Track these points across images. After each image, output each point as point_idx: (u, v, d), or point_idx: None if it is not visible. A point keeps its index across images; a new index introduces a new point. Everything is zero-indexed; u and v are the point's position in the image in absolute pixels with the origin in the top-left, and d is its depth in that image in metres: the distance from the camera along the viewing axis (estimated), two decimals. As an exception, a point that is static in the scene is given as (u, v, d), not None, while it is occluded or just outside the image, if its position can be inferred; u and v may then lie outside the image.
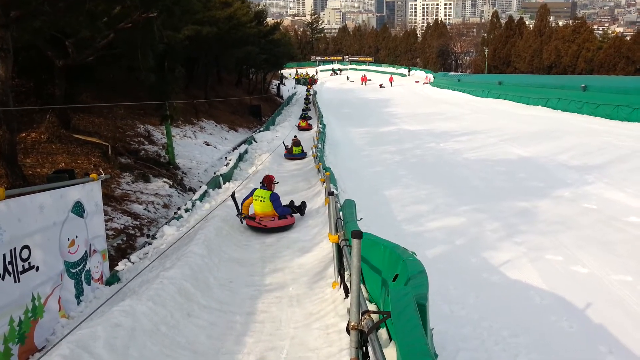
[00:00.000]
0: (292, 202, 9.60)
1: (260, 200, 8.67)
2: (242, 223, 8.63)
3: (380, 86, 57.41)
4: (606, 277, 7.43)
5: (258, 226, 8.43)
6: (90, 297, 6.03)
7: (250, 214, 8.78)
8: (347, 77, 69.90)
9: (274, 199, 8.69)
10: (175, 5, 10.64)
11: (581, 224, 9.86)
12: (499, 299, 6.89)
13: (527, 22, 69.40)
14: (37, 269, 5.07)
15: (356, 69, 75.84)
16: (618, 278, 7.40)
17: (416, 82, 60.48)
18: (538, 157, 16.75)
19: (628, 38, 54.90)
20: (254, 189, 9.06)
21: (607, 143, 18.39)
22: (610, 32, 71.78)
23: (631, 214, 10.28)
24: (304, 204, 9.52)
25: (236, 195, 9.12)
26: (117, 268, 6.84)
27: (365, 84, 60.50)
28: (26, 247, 4.89)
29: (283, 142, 18.68)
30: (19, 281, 4.73)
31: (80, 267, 5.93)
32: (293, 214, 9.03)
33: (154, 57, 12.01)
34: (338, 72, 75.76)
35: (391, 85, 58.21)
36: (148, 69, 11.63)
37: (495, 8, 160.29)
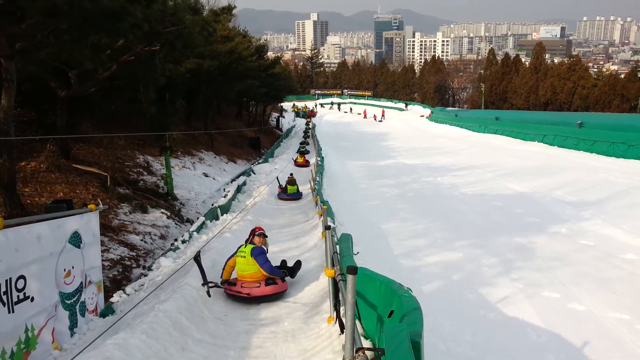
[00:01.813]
0: (283, 262, 7.76)
1: (241, 257, 6.98)
2: (209, 296, 6.42)
3: (375, 118, 59.60)
4: (603, 315, 7.41)
5: (239, 295, 6.69)
6: (84, 329, 5.94)
7: (232, 278, 7.11)
8: (338, 106, 74.14)
9: (257, 253, 6.90)
10: (178, 39, 10.84)
11: (578, 261, 9.87)
12: (496, 336, 6.85)
13: (523, 60, 70.57)
14: (32, 299, 5.01)
15: (355, 103, 77.08)
16: (615, 316, 7.38)
17: (421, 116, 61.33)
18: (534, 193, 16.84)
19: (622, 76, 55.77)
20: (240, 246, 7.30)
21: (603, 179, 18.55)
22: (605, 70, 72.83)
23: (628, 251, 10.29)
24: (298, 264, 7.72)
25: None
26: (112, 300, 6.77)
27: (366, 117, 62.01)
28: (22, 277, 4.85)
29: (277, 178, 17.72)
30: (13, 312, 4.69)
31: (75, 299, 5.87)
32: (285, 278, 7.19)
33: (155, 89, 12.17)
34: (336, 105, 76.71)
35: (382, 118, 59.86)
36: (149, 101, 11.78)
37: (491, 45, 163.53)
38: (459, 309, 7.72)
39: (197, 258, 6.48)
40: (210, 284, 6.44)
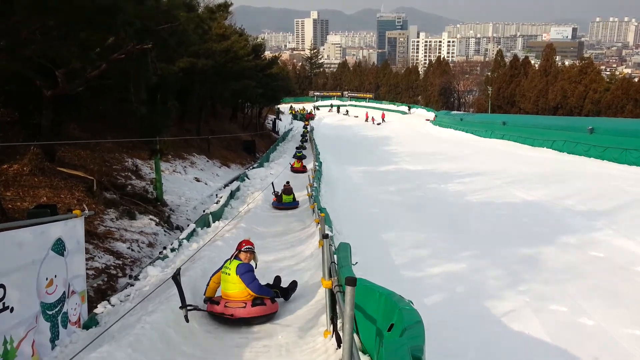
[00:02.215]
0: (277, 279, 7.17)
1: (226, 274, 6.35)
2: (186, 321, 5.73)
3: (373, 121, 59.98)
4: (614, 331, 7.24)
5: (222, 316, 6.11)
6: (66, 342, 5.76)
7: (216, 295, 6.49)
8: (338, 109, 74.58)
9: (242, 271, 6.23)
10: (171, 37, 10.55)
11: (588, 273, 9.67)
12: (501, 353, 6.71)
13: (532, 62, 69.71)
14: (12, 310, 4.84)
15: (355, 105, 76.98)
16: (627, 331, 7.22)
17: (426, 119, 60.66)
18: (543, 201, 16.56)
19: (636, 80, 55.22)
20: (226, 260, 6.63)
21: (615, 188, 18.19)
22: (618, 73, 72.19)
23: (640, 264, 10.04)
24: (293, 285, 7.14)
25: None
26: (96, 311, 6.57)
27: (367, 120, 62.19)
28: (1, 286, 4.68)
29: (272, 183, 16.84)
30: (-9, 323, 4.48)
31: (57, 309, 5.69)
32: (276, 299, 6.58)
33: (146, 89, 11.86)
34: (336, 107, 76.37)
35: (382, 121, 60.09)
36: (140, 101, 11.48)
37: (499, 47, 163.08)
38: (463, 322, 7.54)
39: (176, 278, 5.77)
40: (189, 307, 5.80)
